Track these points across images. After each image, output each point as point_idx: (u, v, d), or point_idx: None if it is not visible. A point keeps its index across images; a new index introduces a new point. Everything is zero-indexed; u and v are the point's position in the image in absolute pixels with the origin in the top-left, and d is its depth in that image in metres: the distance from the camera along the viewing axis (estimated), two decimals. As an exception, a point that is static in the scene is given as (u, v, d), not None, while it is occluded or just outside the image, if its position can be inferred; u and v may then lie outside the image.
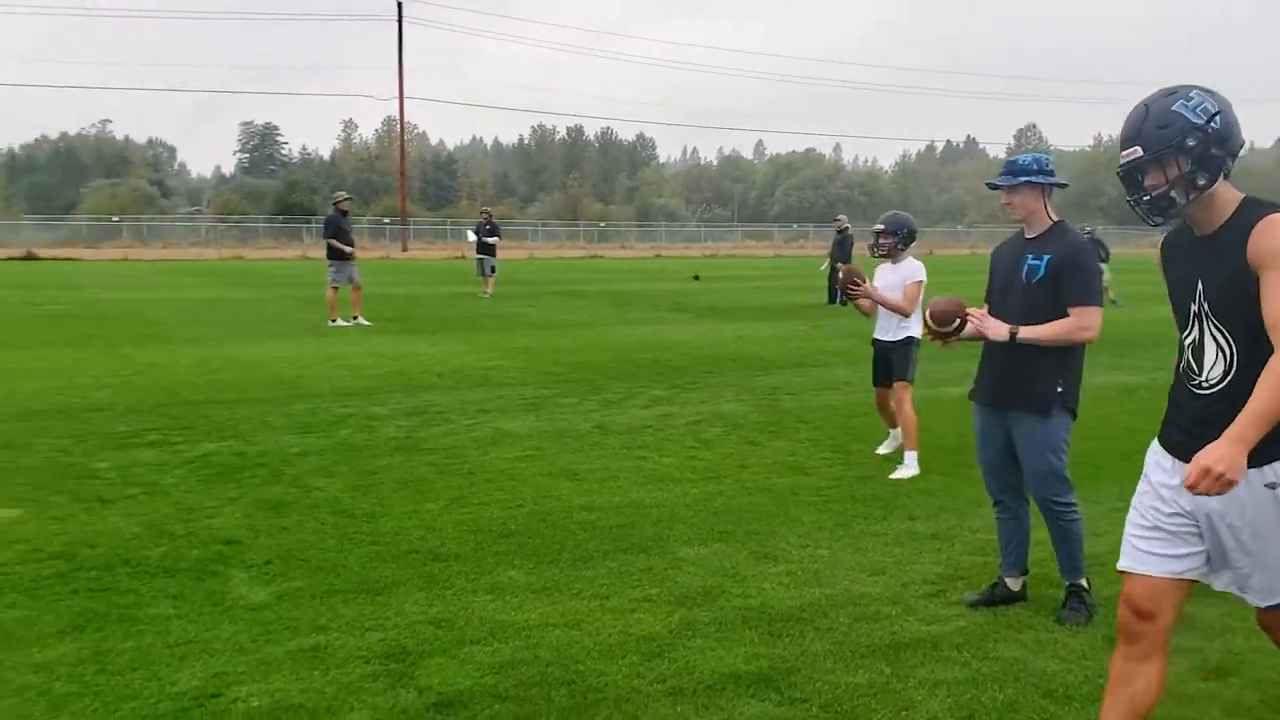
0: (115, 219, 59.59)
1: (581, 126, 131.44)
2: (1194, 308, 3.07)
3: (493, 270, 24.21)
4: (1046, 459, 4.64)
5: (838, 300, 22.30)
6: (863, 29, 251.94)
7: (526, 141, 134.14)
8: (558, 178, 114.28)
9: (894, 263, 7.38)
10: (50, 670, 4.04)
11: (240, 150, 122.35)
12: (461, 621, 4.56)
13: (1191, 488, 2.80)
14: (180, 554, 5.47)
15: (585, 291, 27.03)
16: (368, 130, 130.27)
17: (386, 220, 64.10)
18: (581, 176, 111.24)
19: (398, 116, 60.86)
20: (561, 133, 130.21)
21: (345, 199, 18.70)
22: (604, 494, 6.75)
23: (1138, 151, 3.00)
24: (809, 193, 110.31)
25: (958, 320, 4.76)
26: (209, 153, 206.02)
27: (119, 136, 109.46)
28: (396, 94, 58.81)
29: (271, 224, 62.83)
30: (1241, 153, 3.05)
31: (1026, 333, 4.55)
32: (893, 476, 7.20)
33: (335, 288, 17.85)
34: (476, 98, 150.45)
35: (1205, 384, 3.06)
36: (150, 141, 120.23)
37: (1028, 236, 4.74)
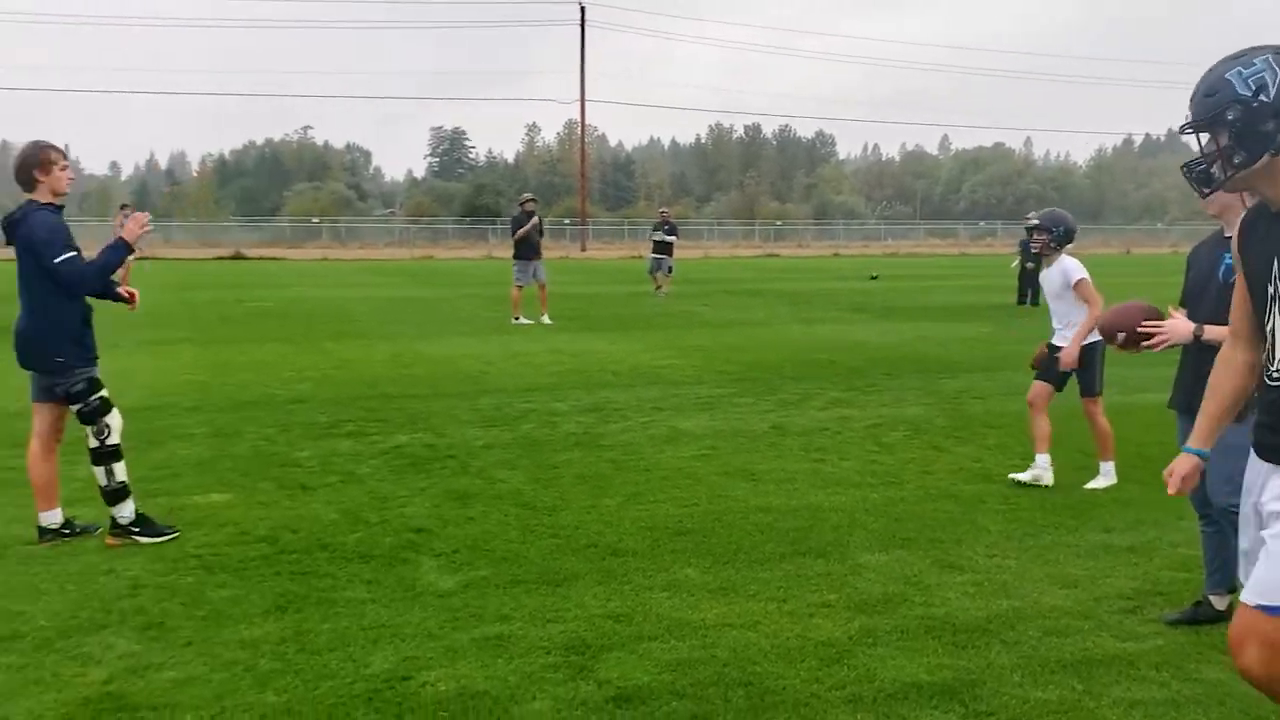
0: (315, 221, 63.00)
1: (759, 124, 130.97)
2: (1271, 289, 2.82)
3: (669, 270, 24.39)
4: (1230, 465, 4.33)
5: (1027, 300, 21.46)
6: (1054, 18, 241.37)
7: (703, 141, 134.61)
8: (734, 176, 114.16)
9: (1049, 264, 7.00)
10: (255, 647, 4.30)
11: (430, 154, 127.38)
12: (639, 617, 4.61)
13: None
14: (374, 540, 5.73)
15: (761, 290, 26.91)
16: (550, 133, 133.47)
17: (567, 221, 65.47)
18: (758, 175, 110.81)
19: (579, 119, 62.08)
20: (739, 131, 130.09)
21: (529, 200, 19.22)
22: (781, 496, 6.70)
23: (1187, 117, 2.79)
24: (996, 189, 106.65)
25: (1123, 334, 4.49)
26: (402, 157, 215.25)
27: (319, 142, 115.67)
28: (578, 97, 60.00)
29: (459, 225, 65.17)
30: None
31: (1212, 333, 4.25)
32: (1088, 486, 6.86)
33: (519, 286, 18.35)
34: (655, 99, 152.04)
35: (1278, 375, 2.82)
36: (348, 147, 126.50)
37: (1226, 235, 4.45)
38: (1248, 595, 2.81)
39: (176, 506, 6.37)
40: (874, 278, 32.40)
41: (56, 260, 5.34)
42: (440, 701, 3.80)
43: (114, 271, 5.60)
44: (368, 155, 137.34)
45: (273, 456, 7.78)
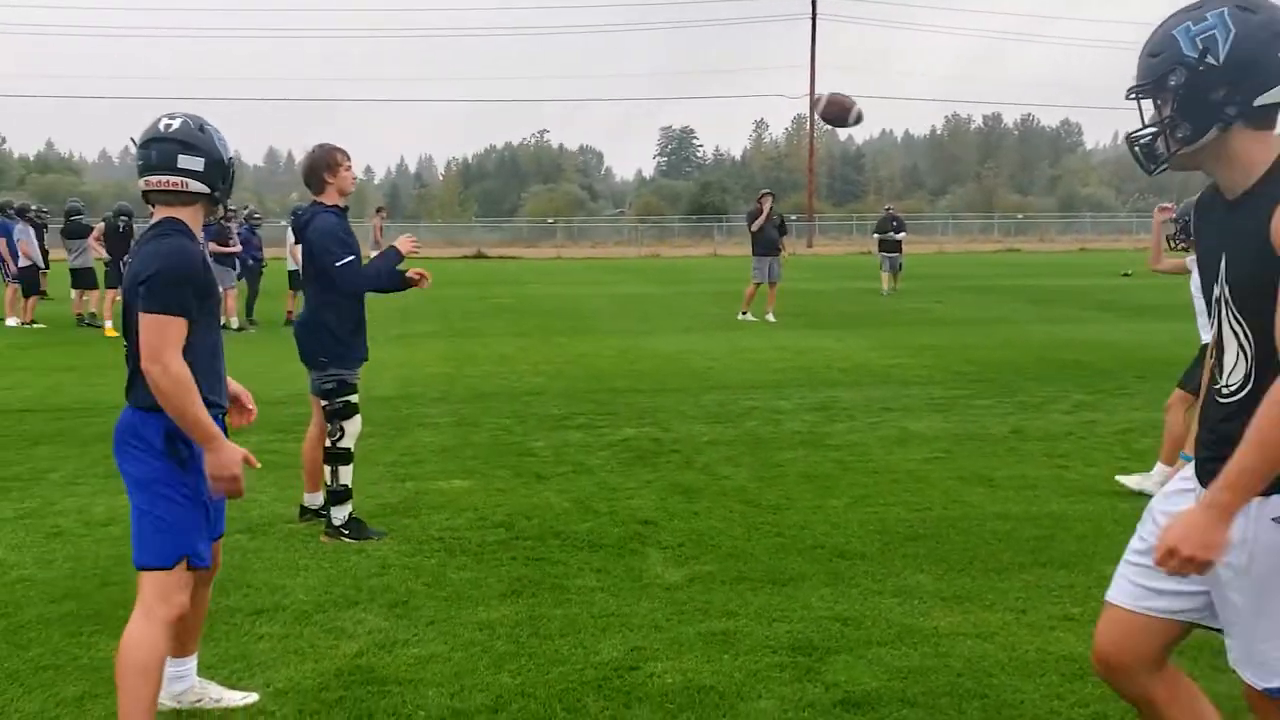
0: (550, 221, 65.20)
1: (999, 114, 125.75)
2: (1216, 290, 2.34)
3: (900, 268, 23.80)
4: None
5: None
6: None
7: (939, 132, 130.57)
8: (971, 169, 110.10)
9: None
10: (492, 629, 4.47)
11: (659, 154, 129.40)
12: (868, 621, 4.50)
13: (1160, 565, 2.19)
14: (603, 531, 5.86)
15: (999, 287, 25.80)
16: (778, 129, 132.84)
17: (793, 217, 64.92)
18: (997, 166, 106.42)
19: (808, 114, 61.46)
20: (977, 122, 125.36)
21: (766, 196, 19.21)
22: (1020, 503, 6.39)
23: (1132, 81, 2.33)
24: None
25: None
26: (632, 157, 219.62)
27: (554, 145, 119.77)
28: (807, 92, 59.39)
29: (686, 223, 65.84)
30: None
31: None
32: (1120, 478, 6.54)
33: (757, 283, 18.31)
34: (887, 90, 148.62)
35: (1225, 390, 2.35)
36: (581, 148, 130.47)
37: None
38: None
39: (421, 491, 6.73)
40: (1127, 274, 30.45)
41: (337, 264, 5.56)
42: (666, 693, 3.84)
43: (388, 278, 5.81)
44: (600, 156, 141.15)
45: (510, 446, 8.09)
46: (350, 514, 5.74)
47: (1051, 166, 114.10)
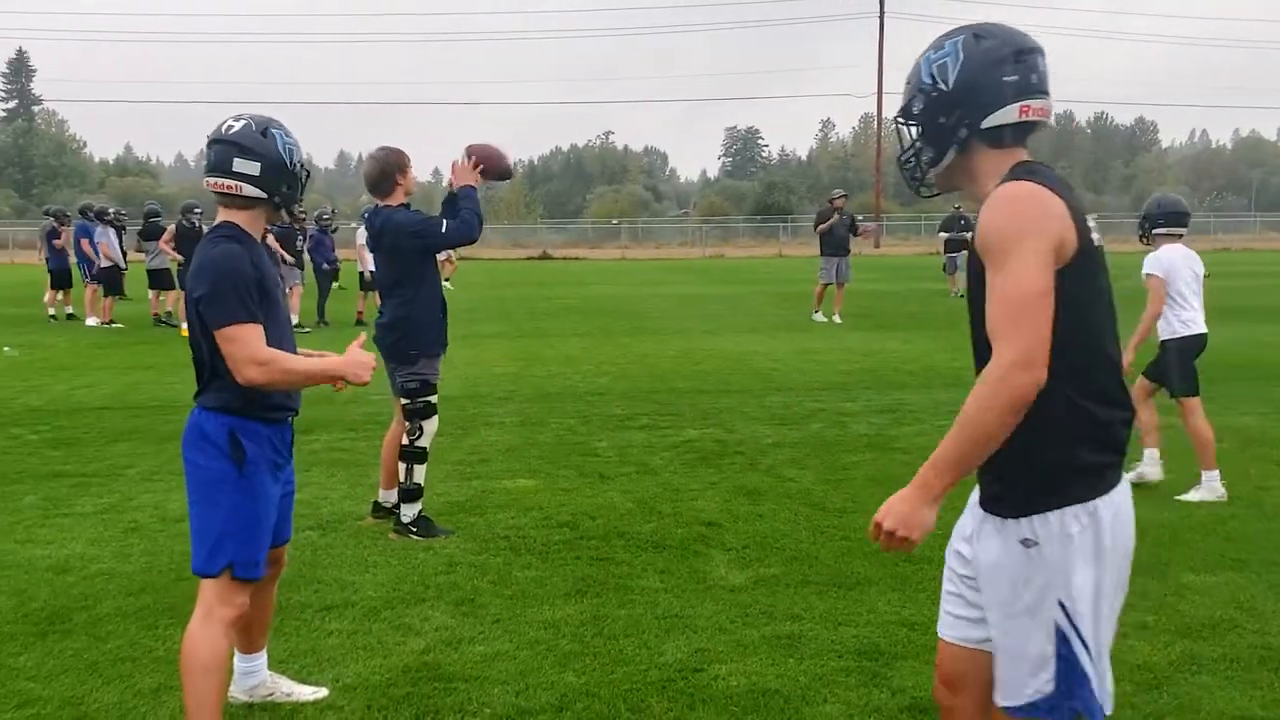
0: (615, 222, 65.35)
1: (1071, 112, 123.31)
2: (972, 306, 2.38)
3: (959, 267, 23.38)
4: None
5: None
6: None
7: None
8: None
9: None
10: (557, 628, 4.49)
11: (724, 154, 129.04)
12: (936, 626, 4.43)
13: (871, 538, 2.31)
14: (667, 532, 5.86)
15: (1071, 289, 25.27)
16: (844, 128, 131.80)
17: (860, 217, 64.35)
18: (1070, 165, 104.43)
19: (875, 113, 60.90)
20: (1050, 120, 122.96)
21: (840, 197, 19.11)
22: (1092, 507, 6.25)
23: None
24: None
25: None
26: (696, 158, 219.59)
27: (619, 146, 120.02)
28: (875, 90, 58.85)
29: (750, 223, 65.55)
30: (1027, 115, 2.34)
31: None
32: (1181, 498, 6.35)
33: (825, 284, 18.18)
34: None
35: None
36: (646, 150, 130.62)
37: None
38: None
39: (487, 489, 6.79)
40: (1206, 276, 29.61)
41: (443, 231, 5.64)
42: (731, 696, 3.83)
43: (478, 211, 5.75)
44: (664, 157, 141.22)
45: (574, 446, 8.13)
46: (419, 512, 5.81)
47: (1126, 165, 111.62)
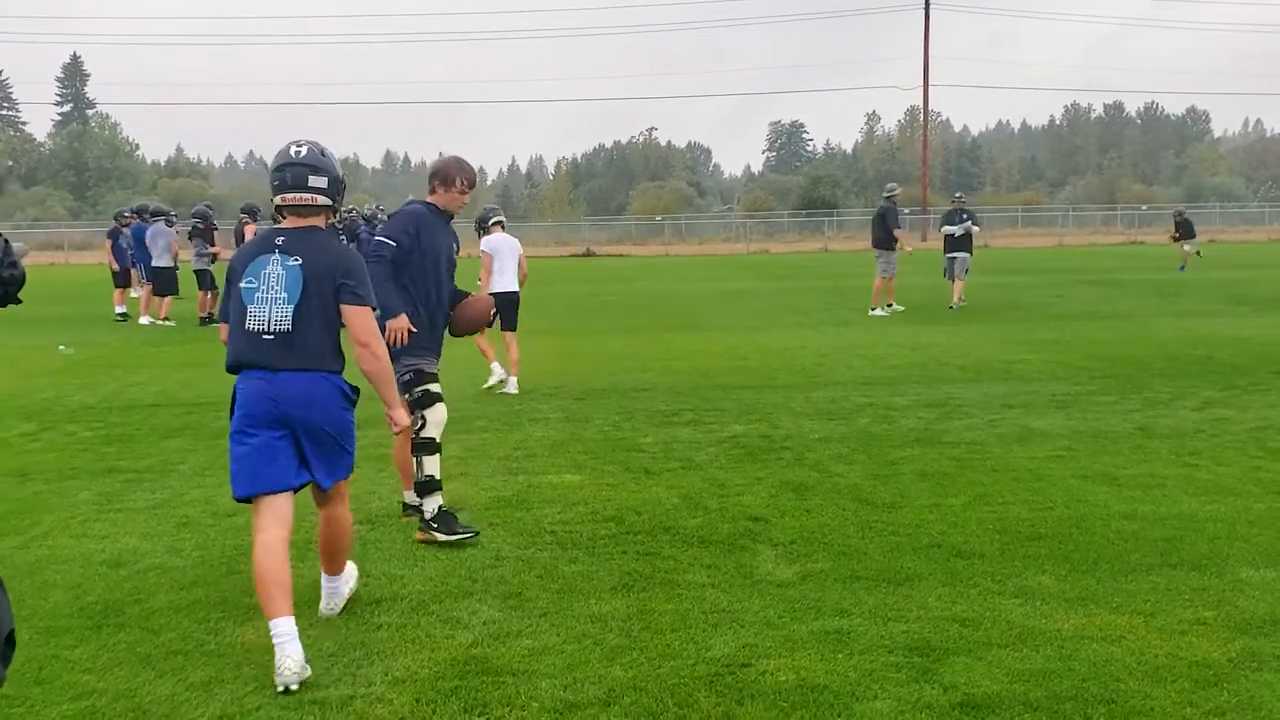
0: (658, 218, 65.29)
1: (1121, 102, 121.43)
2: None
3: (966, 270, 19.78)
4: None
5: None
6: None
7: (1058, 122, 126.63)
8: (1092, 159, 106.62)
9: None
10: (604, 622, 4.48)
11: (768, 149, 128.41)
12: (988, 623, 4.37)
13: None
14: (713, 527, 5.82)
15: (1123, 280, 24.92)
16: (890, 121, 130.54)
17: (906, 210, 63.69)
18: (1120, 156, 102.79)
19: (921, 105, 60.32)
20: (1098, 110, 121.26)
21: (896, 192, 18.96)
22: (1148, 502, 6.14)
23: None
24: None
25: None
26: (741, 153, 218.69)
27: (662, 142, 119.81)
28: (920, 83, 58.29)
29: (795, 218, 65.19)
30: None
31: None
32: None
33: (885, 278, 18.02)
34: (1004, 79, 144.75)
35: None
36: (689, 145, 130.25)
37: None
38: None
39: (533, 484, 6.79)
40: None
41: (370, 280, 5.67)
42: (780, 691, 3.79)
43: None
44: (708, 153, 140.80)
45: (619, 441, 8.12)
46: (440, 507, 5.68)
47: (1177, 156, 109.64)
